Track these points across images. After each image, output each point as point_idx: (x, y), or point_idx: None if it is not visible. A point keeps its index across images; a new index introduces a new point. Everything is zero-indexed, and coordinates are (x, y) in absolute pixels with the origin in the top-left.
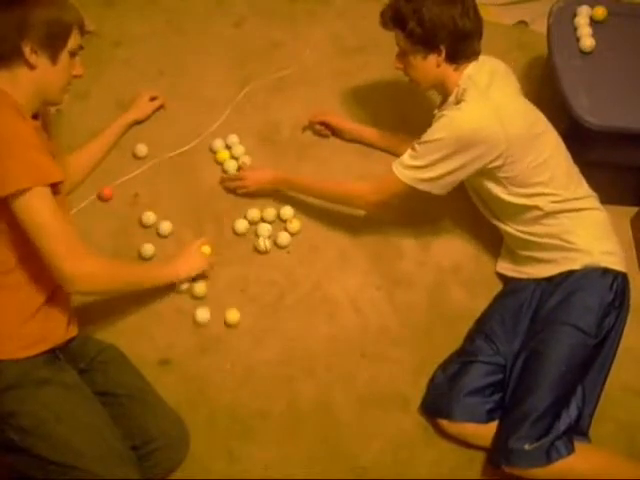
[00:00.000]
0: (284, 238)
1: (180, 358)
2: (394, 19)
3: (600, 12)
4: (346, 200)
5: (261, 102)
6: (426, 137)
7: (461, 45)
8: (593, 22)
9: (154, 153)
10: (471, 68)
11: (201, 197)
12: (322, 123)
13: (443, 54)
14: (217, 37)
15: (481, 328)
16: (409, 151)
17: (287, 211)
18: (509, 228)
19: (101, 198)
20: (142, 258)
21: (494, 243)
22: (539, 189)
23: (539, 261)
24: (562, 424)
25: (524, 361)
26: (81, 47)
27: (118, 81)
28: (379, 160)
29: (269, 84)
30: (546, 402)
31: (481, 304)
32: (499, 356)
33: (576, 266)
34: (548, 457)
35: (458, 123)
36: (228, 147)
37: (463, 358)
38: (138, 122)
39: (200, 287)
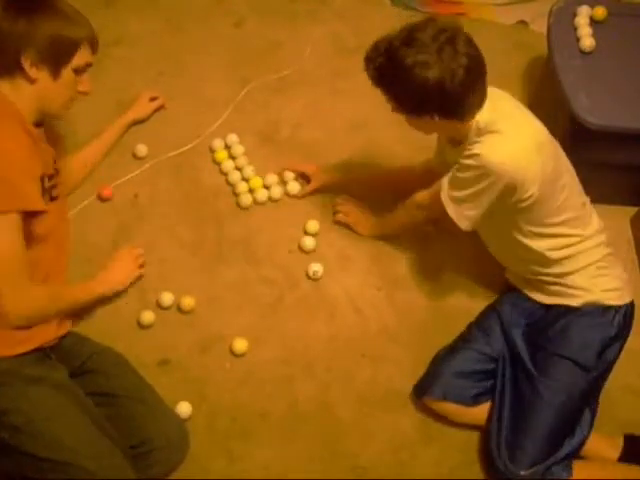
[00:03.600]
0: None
1: (180, 358)
2: (377, 79)
3: (600, 12)
4: (409, 212)
5: (261, 102)
6: (459, 174)
7: (456, 107)
8: (593, 22)
9: (154, 153)
10: (490, 104)
11: (201, 197)
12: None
13: (436, 118)
14: (217, 37)
15: (479, 321)
16: (449, 179)
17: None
18: (511, 267)
19: (101, 198)
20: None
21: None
22: (554, 230)
23: (539, 289)
24: (563, 451)
25: (522, 383)
26: (89, 64)
27: (118, 81)
28: (379, 162)
29: (269, 84)
30: (545, 432)
31: (481, 304)
32: (492, 349)
33: (576, 303)
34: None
35: (496, 166)
36: (228, 147)
37: (456, 344)
38: (138, 122)
39: (188, 301)
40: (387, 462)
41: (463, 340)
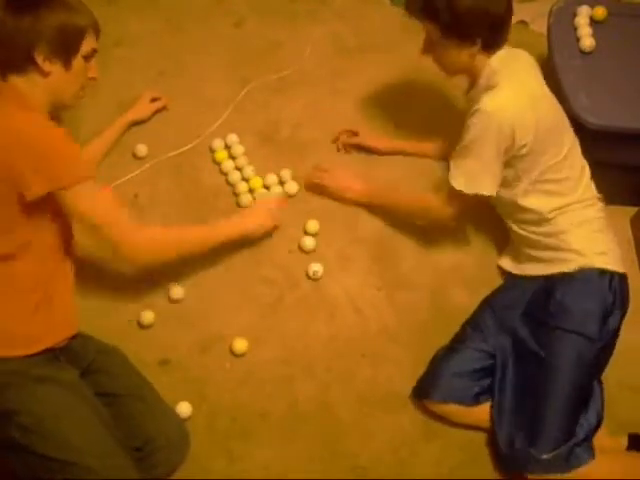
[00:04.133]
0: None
1: (180, 358)
2: (425, 10)
3: (600, 12)
4: (423, 215)
5: (261, 102)
6: (467, 139)
7: (497, 34)
8: (593, 22)
9: (154, 153)
10: (503, 51)
11: (201, 197)
12: (353, 145)
13: (479, 45)
14: (217, 37)
15: (473, 317)
16: (454, 160)
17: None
18: (510, 224)
19: None
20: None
21: (494, 243)
22: (550, 187)
23: (536, 260)
24: (581, 430)
25: (529, 365)
26: (95, 50)
27: (118, 81)
28: (379, 160)
29: (269, 84)
30: (560, 411)
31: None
32: (488, 344)
33: (570, 268)
34: (568, 464)
35: (495, 114)
36: (228, 147)
37: (452, 344)
38: (138, 122)
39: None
40: (387, 462)
41: (458, 340)
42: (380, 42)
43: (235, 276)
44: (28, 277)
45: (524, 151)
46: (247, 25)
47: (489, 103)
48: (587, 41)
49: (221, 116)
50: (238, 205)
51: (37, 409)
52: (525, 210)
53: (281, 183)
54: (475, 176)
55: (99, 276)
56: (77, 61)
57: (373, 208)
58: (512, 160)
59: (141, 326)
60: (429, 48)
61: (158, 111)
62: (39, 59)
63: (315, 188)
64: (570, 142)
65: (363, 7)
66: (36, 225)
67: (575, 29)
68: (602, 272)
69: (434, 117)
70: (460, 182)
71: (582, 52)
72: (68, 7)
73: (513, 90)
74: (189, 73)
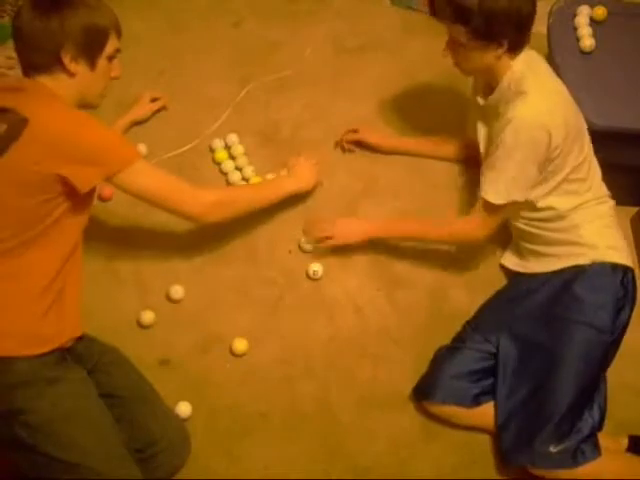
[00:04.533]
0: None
1: (180, 358)
2: (455, 13)
3: (600, 12)
4: (455, 242)
5: (261, 102)
6: (505, 149)
7: (524, 35)
8: (593, 22)
9: (154, 153)
10: (525, 55)
11: None
12: (356, 142)
13: (505, 46)
14: (217, 37)
15: (473, 317)
16: (489, 175)
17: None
18: (516, 222)
19: (101, 198)
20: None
21: (495, 243)
22: (571, 186)
23: (545, 255)
24: (586, 426)
25: (533, 360)
26: (118, 50)
27: (118, 81)
28: (379, 160)
29: (269, 84)
30: (567, 402)
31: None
32: (488, 343)
33: (584, 261)
34: (574, 460)
35: (533, 122)
36: (228, 147)
37: (452, 344)
38: (138, 122)
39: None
40: (387, 462)
41: (458, 340)
42: (380, 42)
43: (235, 276)
44: (44, 276)
45: (556, 153)
46: (247, 25)
47: (525, 112)
48: (587, 41)
49: (221, 116)
50: None
51: (47, 409)
52: (541, 209)
53: None
54: (514, 186)
55: (99, 276)
56: (101, 61)
57: (373, 208)
58: (544, 163)
59: (141, 326)
60: (453, 49)
61: (158, 111)
62: (66, 60)
63: (325, 243)
64: (588, 141)
65: (363, 7)
66: (55, 223)
67: (575, 29)
68: (615, 266)
69: (434, 117)
70: (497, 196)
71: (582, 52)
72: (92, 7)
73: (544, 95)
74: (189, 73)
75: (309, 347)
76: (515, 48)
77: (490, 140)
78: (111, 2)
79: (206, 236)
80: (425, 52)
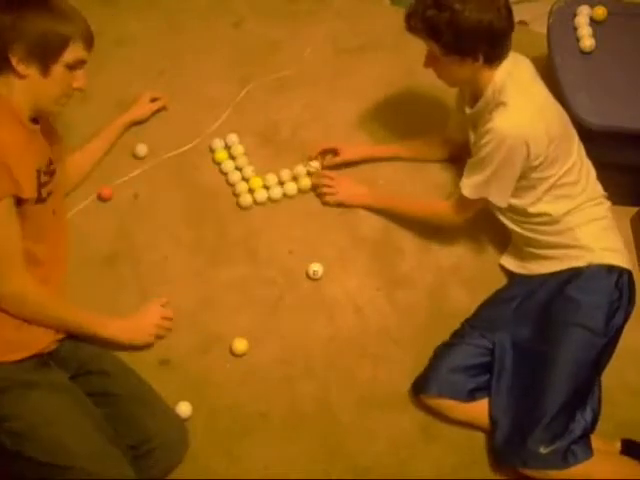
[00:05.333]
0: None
1: (180, 358)
2: (426, 29)
3: (600, 12)
4: (434, 220)
5: (261, 102)
6: (481, 155)
7: (500, 48)
8: (593, 22)
9: (154, 153)
10: (508, 64)
11: (201, 197)
12: (339, 164)
13: (481, 60)
14: (217, 37)
15: (472, 315)
16: (468, 172)
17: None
18: (513, 227)
19: (101, 198)
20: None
21: (494, 243)
22: (562, 191)
23: (543, 258)
24: (578, 427)
25: (528, 360)
26: (83, 61)
27: (118, 81)
28: (379, 160)
29: (269, 84)
30: (559, 403)
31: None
32: (485, 340)
33: (580, 263)
34: (565, 461)
35: (509, 132)
36: (228, 147)
37: (450, 339)
38: (138, 122)
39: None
40: (387, 462)
41: (457, 335)
42: (380, 42)
43: (235, 276)
44: None
45: (537, 162)
46: (247, 25)
47: (502, 123)
48: (587, 41)
49: (221, 116)
50: (238, 205)
51: (28, 415)
52: (535, 215)
53: (281, 183)
54: (487, 189)
55: (99, 276)
56: (57, 68)
57: (372, 208)
58: (527, 171)
59: None
60: (431, 63)
61: (158, 111)
62: (13, 60)
63: (323, 195)
64: (577, 145)
65: (363, 7)
66: (26, 232)
67: (575, 29)
68: (611, 268)
69: (435, 117)
70: (472, 192)
71: (582, 52)
72: (57, 13)
73: (523, 106)
74: (189, 73)
75: (309, 347)
76: (492, 61)
77: (475, 144)
78: (111, 2)
79: (206, 236)
80: (425, 52)
